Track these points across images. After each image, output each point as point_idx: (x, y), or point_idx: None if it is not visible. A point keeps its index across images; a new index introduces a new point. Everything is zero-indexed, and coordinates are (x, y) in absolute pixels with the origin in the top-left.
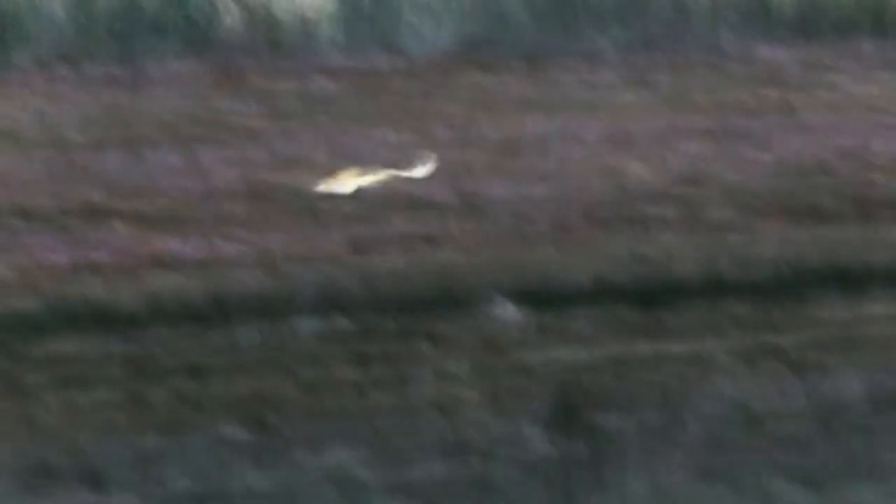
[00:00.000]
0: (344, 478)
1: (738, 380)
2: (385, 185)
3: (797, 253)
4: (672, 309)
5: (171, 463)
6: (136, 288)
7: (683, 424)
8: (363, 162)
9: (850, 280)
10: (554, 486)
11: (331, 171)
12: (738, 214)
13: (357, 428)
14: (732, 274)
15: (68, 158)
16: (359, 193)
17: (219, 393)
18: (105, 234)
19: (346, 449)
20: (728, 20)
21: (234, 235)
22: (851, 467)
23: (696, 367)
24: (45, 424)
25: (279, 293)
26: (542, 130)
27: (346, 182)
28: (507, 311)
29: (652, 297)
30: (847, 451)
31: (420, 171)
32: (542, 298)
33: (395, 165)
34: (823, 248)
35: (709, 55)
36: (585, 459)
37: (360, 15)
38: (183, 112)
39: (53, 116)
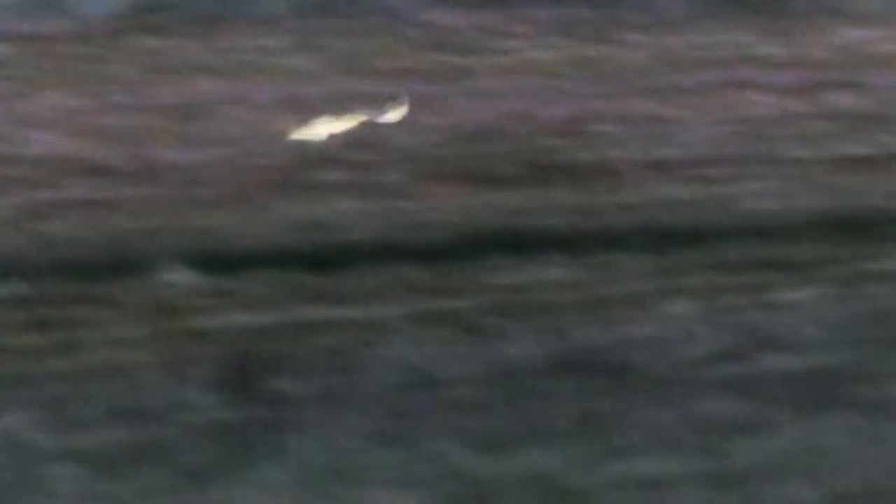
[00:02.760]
0: (17, 442)
1: (414, 344)
2: (56, 151)
3: (473, 217)
4: (348, 273)
5: None
6: None
7: (360, 389)
8: (37, 126)
9: (525, 244)
10: (231, 449)
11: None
12: (412, 179)
13: (32, 393)
14: (407, 239)
15: None
16: (25, 159)
17: None
18: None
19: (21, 414)
20: None
21: None
22: (528, 431)
23: (372, 332)
24: None
25: None
26: (216, 95)
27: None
28: (182, 276)
29: (327, 261)
30: (524, 416)
31: (393, 115)
32: (217, 263)
33: (69, 132)
34: (499, 213)
35: (385, 20)
36: (262, 423)
37: None
38: None
39: None
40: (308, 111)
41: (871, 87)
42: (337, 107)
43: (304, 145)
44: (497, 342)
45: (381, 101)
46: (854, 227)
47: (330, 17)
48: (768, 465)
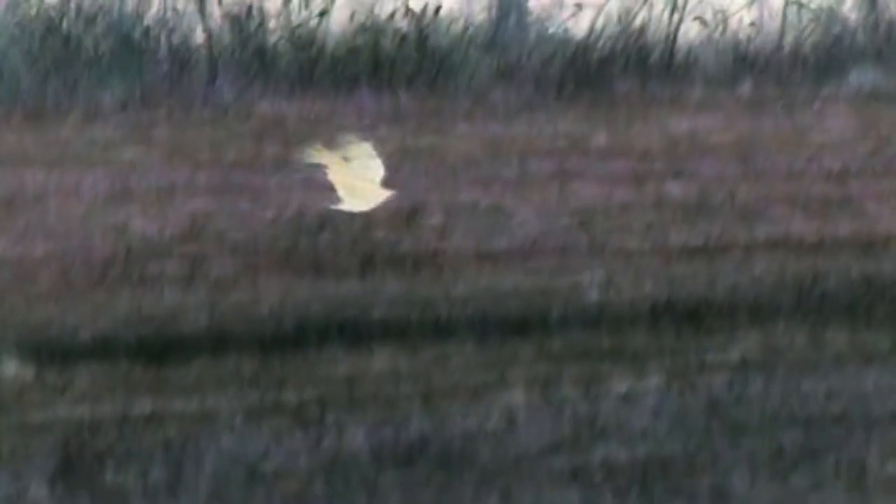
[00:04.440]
0: None
1: (244, 437)
2: None
3: (303, 309)
4: (177, 365)
5: None
6: None
7: (190, 482)
8: None
9: (356, 336)
10: None
11: None
12: (240, 269)
13: None
14: (236, 329)
15: None
16: None
17: None
18: None
19: None
20: (227, 74)
21: None
22: None
23: (203, 424)
24: None
25: None
26: (43, 186)
27: None
28: (13, 370)
29: (156, 353)
30: None
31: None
32: (49, 356)
33: None
34: (330, 304)
35: (208, 110)
36: None
37: None
38: None
39: None
40: (137, 202)
41: (697, 176)
42: (162, 200)
43: (134, 237)
44: (327, 434)
45: (212, 192)
46: (685, 318)
47: (152, 106)
48: None
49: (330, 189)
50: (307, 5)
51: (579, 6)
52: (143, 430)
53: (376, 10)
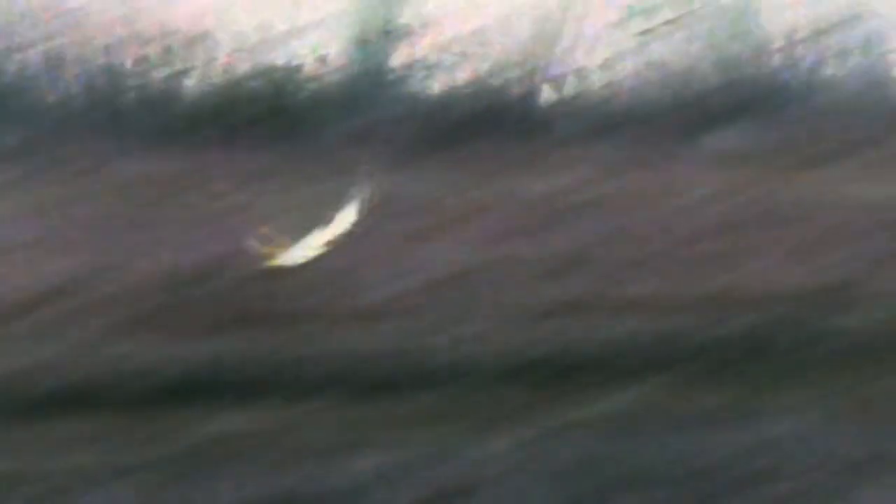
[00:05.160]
0: None
1: (109, 494)
2: None
3: (171, 366)
4: (48, 423)
5: None
6: None
7: None
8: None
9: (222, 393)
10: None
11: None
12: (111, 327)
13: None
14: (105, 386)
15: None
16: None
17: None
18: None
19: None
20: (82, 133)
21: None
22: None
23: (72, 482)
24: None
25: None
26: None
27: None
28: None
29: (26, 412)
30: None
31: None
32: None
33: None
34: (197, 363)
35: (82, 168)
36: None
37: None
38: None
39: None
40: (1, 259)
41: (551, 237)
42: (32, 254)
43: (1, 294)
44: (192, 491)
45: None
46: (553, 375)
47: (18, 166)
48: None
49: (204, 244)
50: (165, 64)
51: (437, 66)
52: (7, 490)
53: (237, 68)
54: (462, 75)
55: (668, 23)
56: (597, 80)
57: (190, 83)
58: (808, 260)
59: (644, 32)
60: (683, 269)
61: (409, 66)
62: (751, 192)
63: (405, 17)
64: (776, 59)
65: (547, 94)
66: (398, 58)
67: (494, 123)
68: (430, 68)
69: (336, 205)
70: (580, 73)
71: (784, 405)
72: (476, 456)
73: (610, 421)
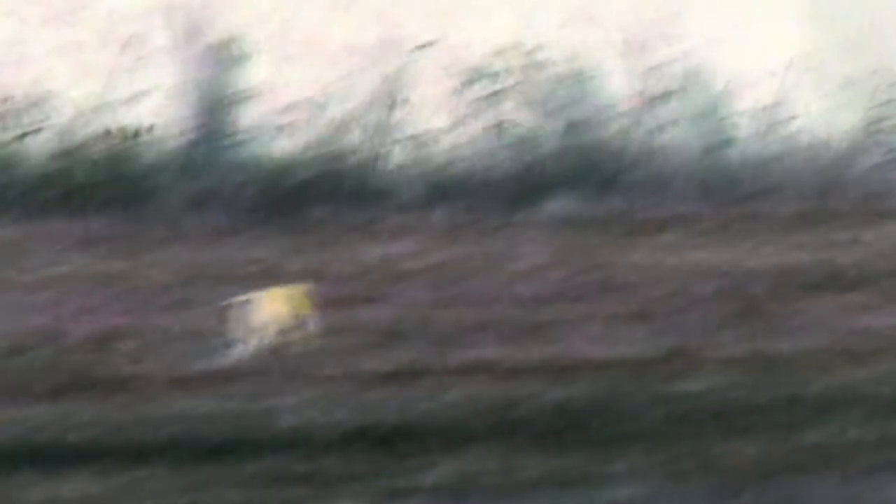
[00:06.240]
0: None
1: None
2: None
3: (8, 431)
4: None
5: None
6: None
7: None
8: None
9: (49, 460)
10: None
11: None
12: None
13: None
14: None
15: None
16: None
17: None
18: None
19: None
20: None
21: None
22: None
23: None
24: None
25: None
26: None
27: None
28: None
29: None
30: None
31: None
32: None
33: None
34: (24, 428)
35: None
36: None
37: None
38: None
39: None
40: None
41: (390, 302)
42: None
43: None
44: None
45: None
46: (378, 443)
47: None
48: None
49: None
50: (6, 128)
51: (276, 131)
52: None
53: (76, 133)
54: (300, 141)
55: (508, 88)
56: (436, 146)
57: (27, 149)
58: (647, 325)
59: (485, 98)
60: (522, 334)
61: (248, 132)
62: (589, 258)
63: (243, 83)
64: (614, 126)
65: (386, 160)
66: (237, 123)
67: (333, 188)
68: (269, 134)
69: (173, 268)
70: (419, 138)
71: (628, 468)
72: None
73: (436, 488)
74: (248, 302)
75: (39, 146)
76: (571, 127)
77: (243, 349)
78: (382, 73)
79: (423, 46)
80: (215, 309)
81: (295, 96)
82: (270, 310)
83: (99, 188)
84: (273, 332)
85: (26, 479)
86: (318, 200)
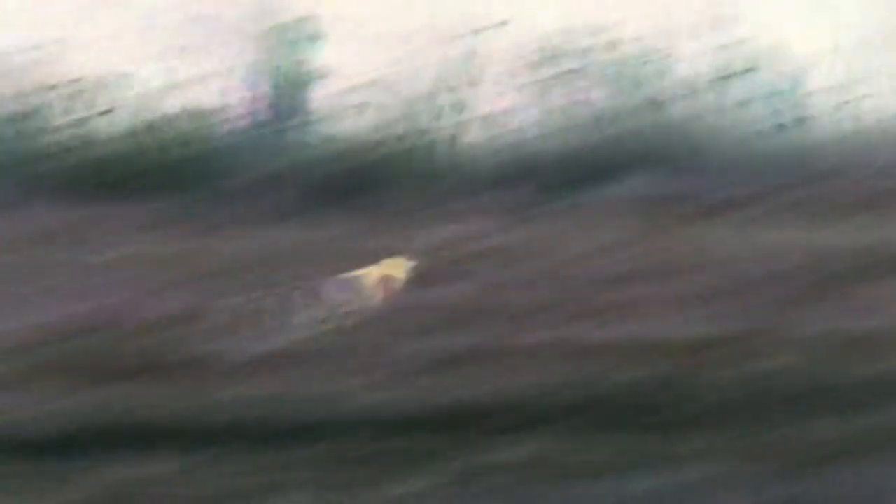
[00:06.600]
0: None
1: None
2: None
3: (79, 413)
4: None
5: None
6: None
7: None
8: None
9: (131, 440)
10: None
11: None
12: (16, 375)
13: None
14: (12, 435)
15: None
16: None
17: None
18: None
19: None
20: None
21: None
22: None
23: None
24: None
25: None
26: None
27: None
28: None
29: None
30: None
31: None
32: None
33: None
34: (106, 409)
35: None
36: None
37: None
38: None
39: None
40: None
41: (463, 282)
42: None
43: None
44: None
45: None
46: (463, 420)
47: None
48: None
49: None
50: (75, 110)
51: (351, 110)
52: None
53: (146, 114)
54: (372, 121)
55: (579, 68)
56: (508, 125)
57: (97, 130)
58: (720, 305)
59: (556, 77)
60: (596, 314)
61: (319, 112)
62: (661, 238)
63: (315, 63)
64: (686, 105)
65: (458, 140)
66: (308, 104)
67: (405, 169)
68: (341, 114)
69: (244, 249)
70: (492, 117)
71: (701, 449)
72: (390, 497)
73: (518, 467)
74: (346, 280)
75: (109, 127)
76: (643, 106)
77: (317, 329)
78: (454, 54)
79: (495, 26)
80: (288, 290)
81: (367, 76)
82: (373, 283)
83: (169, 169)
84: (367, 304)
85: (107, 459)
86: (390, 181)
